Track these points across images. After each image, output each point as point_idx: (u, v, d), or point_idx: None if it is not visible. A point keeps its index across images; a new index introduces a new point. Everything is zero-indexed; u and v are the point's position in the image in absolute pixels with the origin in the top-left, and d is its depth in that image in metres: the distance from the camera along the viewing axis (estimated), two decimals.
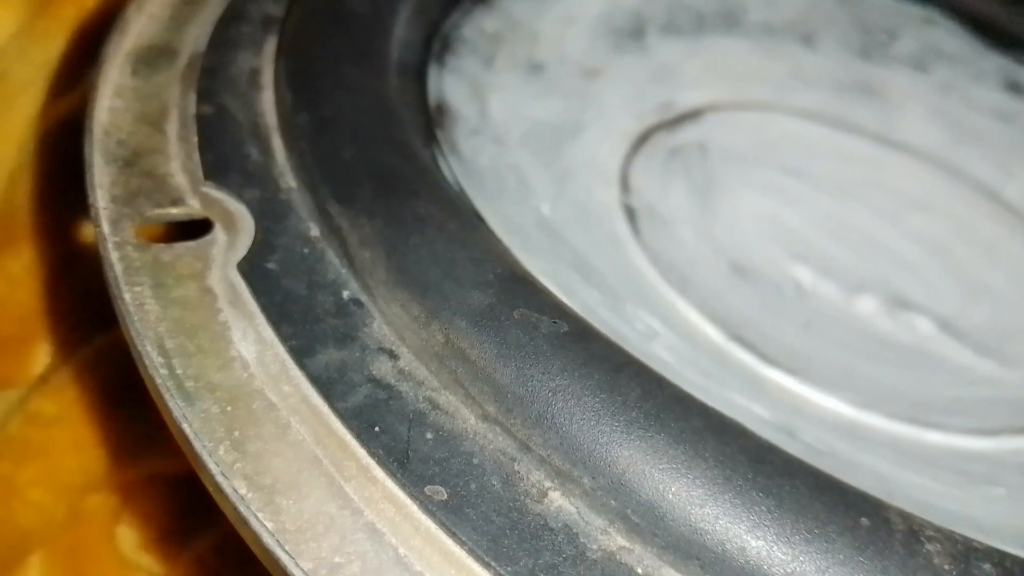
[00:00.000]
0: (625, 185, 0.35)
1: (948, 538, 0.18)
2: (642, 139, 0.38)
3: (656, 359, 0.25)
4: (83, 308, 0.34)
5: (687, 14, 0.42)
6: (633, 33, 0.41)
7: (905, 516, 0.18)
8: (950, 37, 0.45)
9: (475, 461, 0.18)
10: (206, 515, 0.31)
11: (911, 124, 0.43)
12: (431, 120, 0.28)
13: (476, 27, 0.35)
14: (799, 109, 0.42)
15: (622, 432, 0.18)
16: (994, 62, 0.44)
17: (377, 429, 0.18)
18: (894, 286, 0.36)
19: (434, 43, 0.32)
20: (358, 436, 0.18)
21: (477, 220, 0.23)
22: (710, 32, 0.43)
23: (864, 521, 0.17)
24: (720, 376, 0.27)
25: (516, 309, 0.19)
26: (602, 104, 0.38)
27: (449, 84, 0.31)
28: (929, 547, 0.17)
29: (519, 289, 0.20)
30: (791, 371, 0.30)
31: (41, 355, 0.36)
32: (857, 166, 0.41)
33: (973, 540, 0.18)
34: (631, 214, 0.34)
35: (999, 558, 0.18)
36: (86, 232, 0.35)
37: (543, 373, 0.18)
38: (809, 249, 0.37)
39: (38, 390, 0.35)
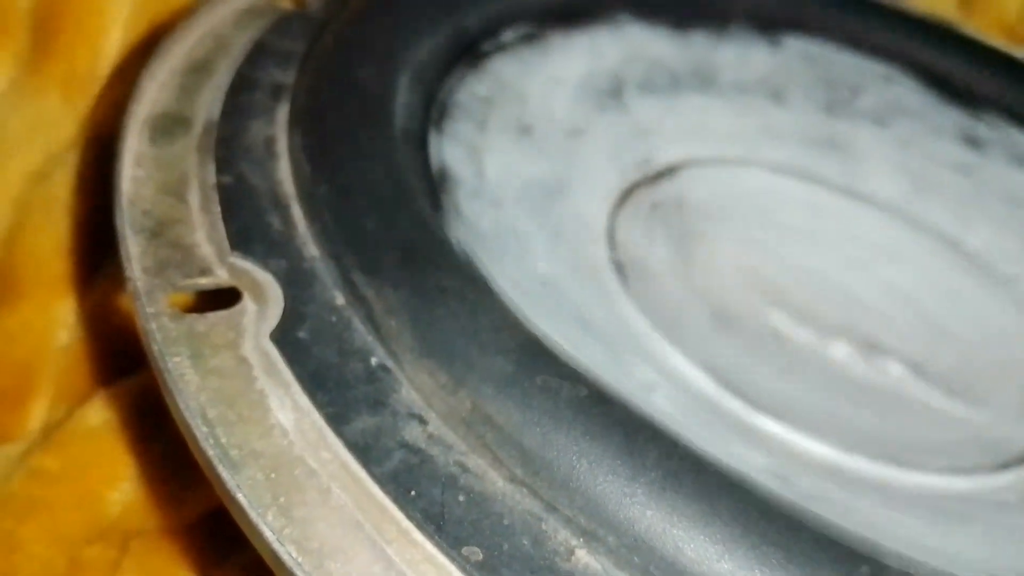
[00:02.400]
0: (612, 240, 0.37)
1: None
2: (625, 195, 0.40)
3: (660, 411, 0.26)
4: (94, 360, 0.35)
5: (663, 74, 0.45)
6: (612, 93, 0.43)
7: (903, 560, 0.19)
8: (909, 93, 0.47)
9: (505, 522, 0.20)
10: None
11: (875, 177, 0.45)
12: (435, 186, 0.30)
13: (469, 92, 0.37)
14: (770, 163, 0.44)
15: (643, 493, 0.19)
16: (951, 117, 0.47)
17: (413, 493, 0.20)
18: (866, 331, 0.38)
19: (432, 110, 0.34)
20: (396, 500, 0.20)
21: (489, 287, 0.24)
22: (685, 90, 0.45)
23: (864, 569, 0.19)
24: (717, 425, 0.28)
25: (538, 375, 0.21)
26: (586, 163, 0.40)
27: (448, 149, 0.33)
28: None
29: (539, 356, 0.21)
30: (778, 417, 0.31)
31: (38, 410, 0.37)
32: (826, 217, 0.43)
33: None
34: (619, 268, 0.36)
35: None
36: (98, 287, 0.36)
37: (567, 438, 0.20)
38: (785, 296, 0.39)
39: (40, 446, 0.35)
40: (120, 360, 0.35)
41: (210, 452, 0.19)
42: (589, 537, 0.19)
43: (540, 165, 0.38)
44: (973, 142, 0.46)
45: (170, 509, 0.33)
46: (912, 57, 0.48)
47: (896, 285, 0.41)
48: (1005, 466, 0.33)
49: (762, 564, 0.19)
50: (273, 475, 0.20)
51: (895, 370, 0.37)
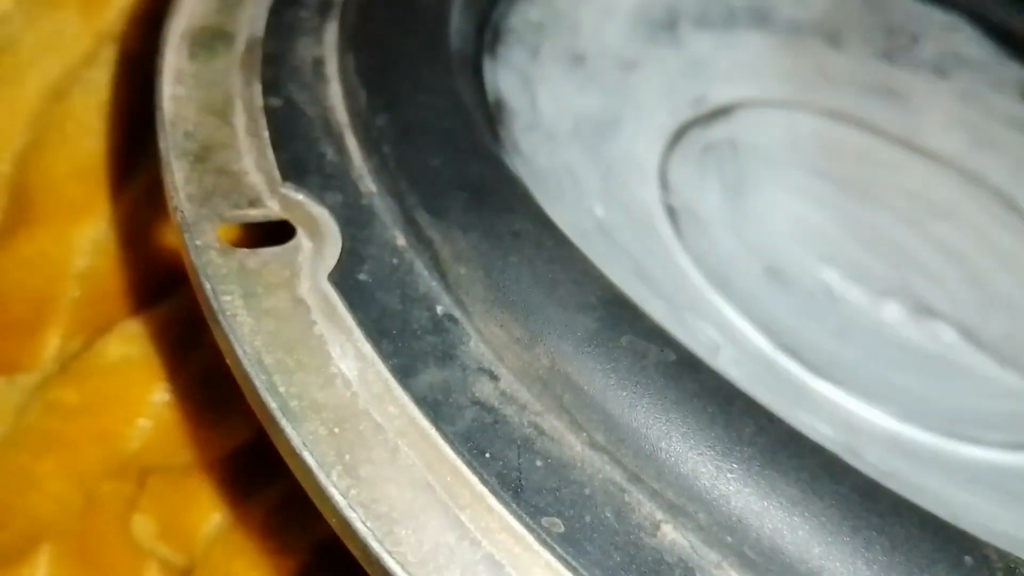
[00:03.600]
0: (664, 183, 0.35)
1: None
2: (677, 135, 0.38)
3: (728, 375, 0.25)
4: (118, 288, 0.33)
5: (719, 8, 0.42)
6: (667, 25, 0.40)
7: (1001, 554, 0.18)
8: (971, 44, 0.45)
9: (587, 491, 0.18)
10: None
11: (932, 129, 0.43)
12: (493, 117, 0.28)
13: (522, 17, 0.34)
14: (825, 108, 0.42)
15: (740, 469, 0.18)
16: (1014, 71, 0.45)
17: (488, 455, 0.18)
18: (917, 293, 0.37)
19: (486, 33, 0.31)
20: (470, 463, 0.18)
21: (566, 235, 0.22)
22: (740, 27, 0.42)
23: (968, 560, 0.18)
24: (781, 391, 0.27)
25: (623, 335, 0.19)
26: (639, 98, 0.38)
27: (503, 77, 0.31)
28: None
29: (624, 314, 0.20)
30: (836, 382, 0.30)
31: (53, 340, 0.35)
32: (880, 169, 0.41)
33: None
34: (672, 214, 0.34)
35: None
36: (121, 211, 0.34)
37: (657, 405, 0.18)
38: (836, 251, 0.37)
39: (59, 378, 0.34)
40: (146, 288, 0.33)
41: (272, 403, 0.18)
42: (677, 512, 0.18)
43: (592, 98, 0.36)
44: None
45: (198, 444, 0.31)
46: (977, 7, 0.46)
47: (950, 244, 0.39)
48: None
49: (865, 550, 0.17)
50: (337, 430, 0.18)
51: (947, 335, 0.35)
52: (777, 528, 0.17)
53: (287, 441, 0.17)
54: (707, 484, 0.18)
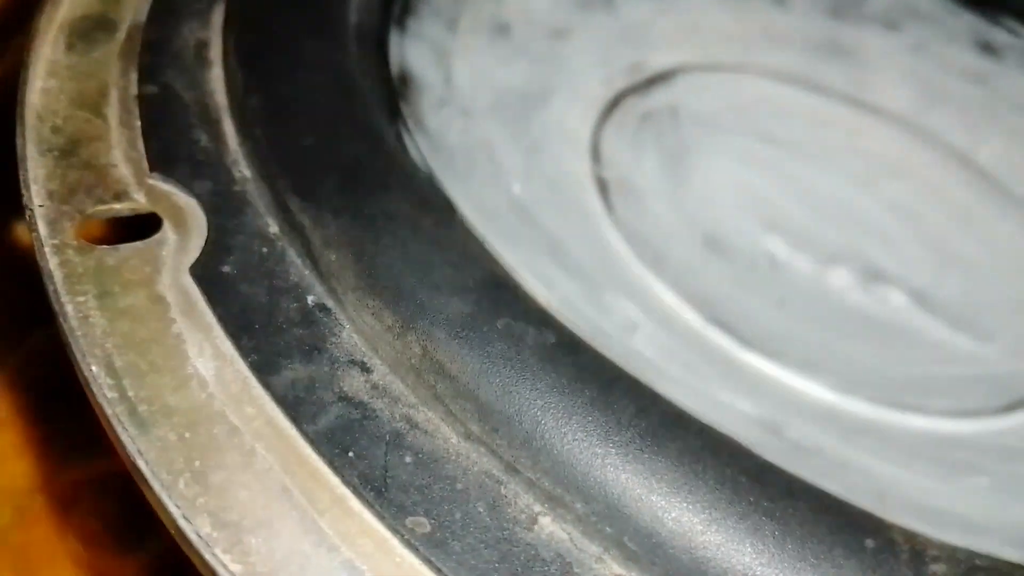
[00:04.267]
0: (596, 155, 0.34)
1: (951, 557, 0.17)
2: (612, 104, 0.36)
3: (639, 357, 0.24)
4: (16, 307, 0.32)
5: None
6: None
7: (908, 536, 0.17)
8: None
9: (459, 486, 0.17)
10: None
11: (883, 86, 0.41)
12: (395, 92, 0.27)
13: None
14: (771, 70, 0.41)
15: (618, 454, 0.17)
16: (966, 21, 0.43)
17: (351, 454, 0.17)
18: (867, 257, 0.35)
19: (394, 4, 0.30)
20: (331, 463, 0.17)
21: (452, 212, 0.21)
22: None
23: (869, 543, 0.16)
24: (701, 368, 0.26)
25: (500, 319, 0.18)
26: (571, 67, 0.36)
27: (411, 50, 0.29)
28: (934, 567, 0.16)
29: (502, 296, 0.19)
30: (769, 354, 0.29)
31: None
32: (830, 130, 0.40)
33: (976, 556, 0.17)
34: (603, 187, 0.33)
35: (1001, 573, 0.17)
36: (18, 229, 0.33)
37: (532, 390, 0.17)
38: (783, 219, 0.36)
39: None
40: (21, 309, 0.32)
41: (111, 409, 0.17)
42: (555, 503, 0.17)
43: (518, 70, 0.34)
44: (988, 48, 0.43)
45: (62, 479, 0.30)
46: None
47: (901, 204, 0.38)
48: (1011, 407, 0.30)
49: (753, 536, 0.16)
50: (188, 434, 0.17)
51: (897, 299, 0.34)
52: (658, 516, 0.16)
53: (124, 448, 0.16)
54: (584, 471, 0.17)
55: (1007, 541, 0.22)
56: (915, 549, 0.17)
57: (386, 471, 0.17)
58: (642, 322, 0.26)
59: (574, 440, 0.17)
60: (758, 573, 0.16)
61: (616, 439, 0.17)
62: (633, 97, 0.37)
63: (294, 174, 0.20)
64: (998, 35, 0.43)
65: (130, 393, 0.17)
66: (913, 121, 0.41)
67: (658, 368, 0.24)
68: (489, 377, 0.17)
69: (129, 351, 0.18)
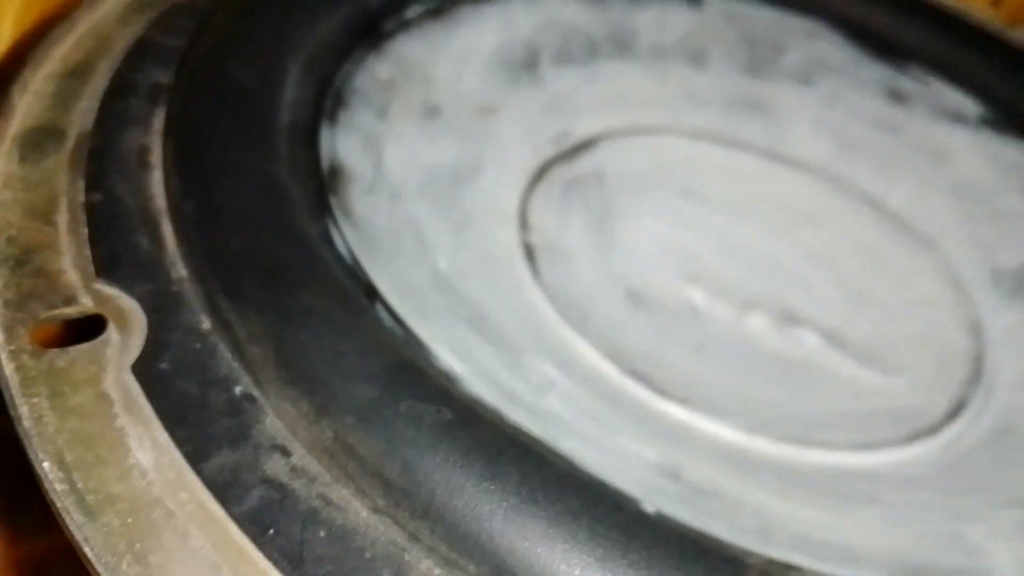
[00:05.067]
0: (524, 223, 0.37)
1: None
2: (540, 173, 0.39)
3: (548, 415, 0.26)
4: None
5: (580, 41, 0.44)
6: (527, 65, 0.42)
7: (762, 570, 0.19)
8: (834, 49, 0.47)
9: (367, 555, 0.19)
10: None
11: (798, 138, 0.44)
12: (324, 186, 0.29)
13: (369, 76, 0.36)
14: (691, 129, 0.44)
15: (503, 519, 0.19)
16: (876, 72, 0.46)
17: (272, 532, 0.19)
18: (783, 301, 0.38)
19: (326, 100, 0.33)
20: (254, 540, 0.19)
21: (367, 302, 0.24)
22: (603, 58, 0.44)
23: None
24: (611, 420, 0.28)
25: (402, 401, 0.20)
26: (499, 141, 0.39)
27: (342, 142, 0.32)
28: None
29: (405, 379, 0.21)
30: (682, 401, 0.31)
31: None
32: (748, 183, 0.43)
33: None
34: (530, 253, 0.35)
35: None
36: None
37: (428, 466, 0.20)
38: (703, 269, 0.38)
39: None
40: None
41: (61, 502, 0.19)
42: (452, 566, 0.19)
43: (448, 149, 0.37)
44: (898, 96, 0.46)
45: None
46: (837, 11, 0.47)
47: (816, 249, 0.41)
48: (914, 438, 0.33)
49: None
50: (130, 520, 0.19)
51: (810, 340, 0.37)
52: (539, 573, 0.19)
53: (72, 534, 0.19)
54: (475, 537, 0.19)
55: (883, 568, 0.24)
56: None
57: (302, 545, 0.19)
58: (559, 381, 0.29)
59: (464, 510, 0.19)
60: None
61: (501, 505, 0.19)
62: (560, 165, 0.40)
63: (222, 275, 0.23)
64: (906, 84, 0.46)
65: (79, 485, 0.20)
66: (827, 170, 0.44)
67: (567, 425, 0.26)
68: (391, 457, 0.20)
69: (78, 446, 0.20)
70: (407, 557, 0.20)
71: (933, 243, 0.42)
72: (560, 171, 0.40)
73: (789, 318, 0.37)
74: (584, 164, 0.40)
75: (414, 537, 0.20)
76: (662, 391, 0.31)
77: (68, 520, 0.19)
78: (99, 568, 0.18)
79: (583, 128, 0.42)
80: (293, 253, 0.24)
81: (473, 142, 0.38)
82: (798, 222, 0.42)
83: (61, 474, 0.20)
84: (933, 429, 0.33)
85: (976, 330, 0.38)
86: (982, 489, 0.30)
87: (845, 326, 0.38)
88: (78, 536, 0.19)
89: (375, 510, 0.20)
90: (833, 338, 0.37)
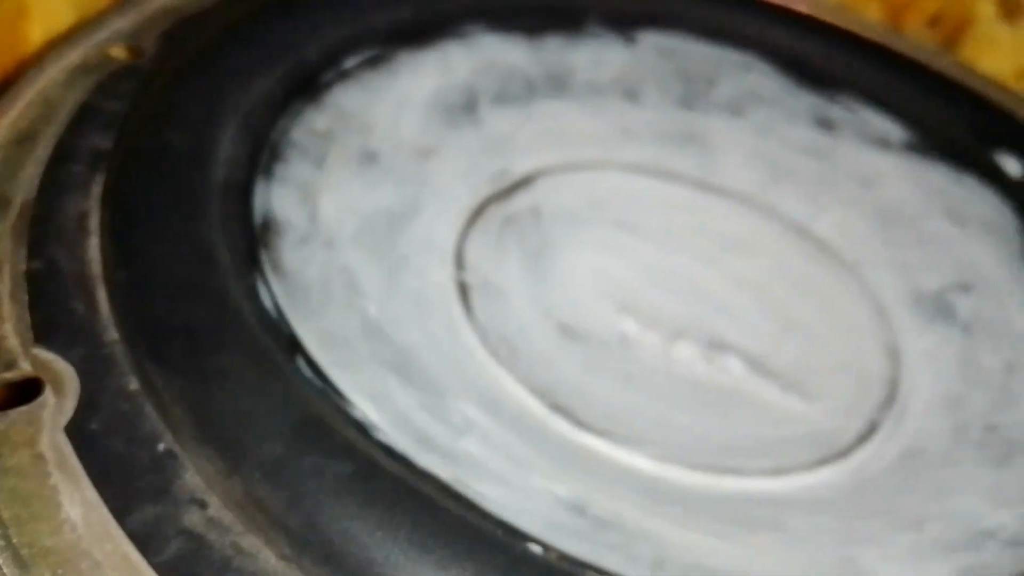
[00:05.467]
0: (460, 262, 0.38)
1: None
2: (477, 212, 0.41)
3: (463, 457, 0.28)
4: None
5: (518, 82, 0.45)
6: (466, 108, 0.44)
7: None
8: (765, 80, 0.49)
9: None
10: None
11: (730, 168, 0.46)
12: (255, 241, 0.31)
13: (306, 128, 0.38)
14: (626, 164, 0.46)
15: (392, 565, 0.21)
16: (805, 101, 0.48)
17: None
18: (711, 329, 0.40)
19: (262, 155, 0.35)
20: None
21: (287, 356, 0.26)
22: (540, 97, 0.46)
23: None
24: (528, 458, 0.30)
25: (306, 457, 0.22)
26: (437, 182, 0.41)
27: (277, 195, 0.34)
28: None
29: (311, 435, 0.23)
30: (600, 433, 0.33)
31: None
32: (680, 213, 0.45)
33: None
34: (464, 292, 0.37)
35: None
36: None
37: (327, 518, 0.22)
38: (634, 300, 0.40)
39: None
40: None
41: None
42: None
43: (385, 193, 0.39)
44: (827, 124, 0.48)
45: None
46: (768, 43, 0.49)
47: (745, 277, 0.43)
48: (824, 462, 0.35)
49: None
50: (60, 571, 0.21)
51: (735, 367, 0.38)
52: None
53: None
54: None
55: None
56: None
57: None
58: (480, 421, 0.31)
59: (360, 557, 0.21)
60: None
61: (393, 552, 0.21)
62: (497, 203, 0.42)
63: (148, 339, 0.25)
64: (835, 111, 0.48)
65: (14, 540, 0.22)
66: (757, 199, 0.46)
67: (482, 466, 0.28)
68: (295, 509, 0.22)
69: (14, 504, 0.22)
70: None
71: (857, 268, 0.44)
72: (497, 209, 0.41)
73: (716, 345, 0.39)
74: (521, 201, 0.42)
75: None
76: (582, 424, 0.33)
77: (3, 573, 0.21)
78: None
79: (521, 166, 0.43)
80: (214, 314, 0.26)
81: (411, 185, 0.40)
82: (729, 250, 0.44)
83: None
84: (843, 453, 0.35)
85: (894, 354, 0.40)
86: (882, 512, 0.32)
87: (770, 352, 0.39)
88: None
89: (282, 557, 0.22)
90: (757, 365, 0.39)
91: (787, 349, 0.40)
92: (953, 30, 0.59)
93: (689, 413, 0.36)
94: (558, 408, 0.34)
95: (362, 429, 0.25)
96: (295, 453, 0.22)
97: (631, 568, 0.25)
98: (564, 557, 0.23)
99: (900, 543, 0.30)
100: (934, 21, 0.60)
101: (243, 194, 0.32)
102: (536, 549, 0.23)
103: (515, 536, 0.23)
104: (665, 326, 0.39)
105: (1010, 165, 0.46)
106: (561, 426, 0.33)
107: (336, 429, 0.24)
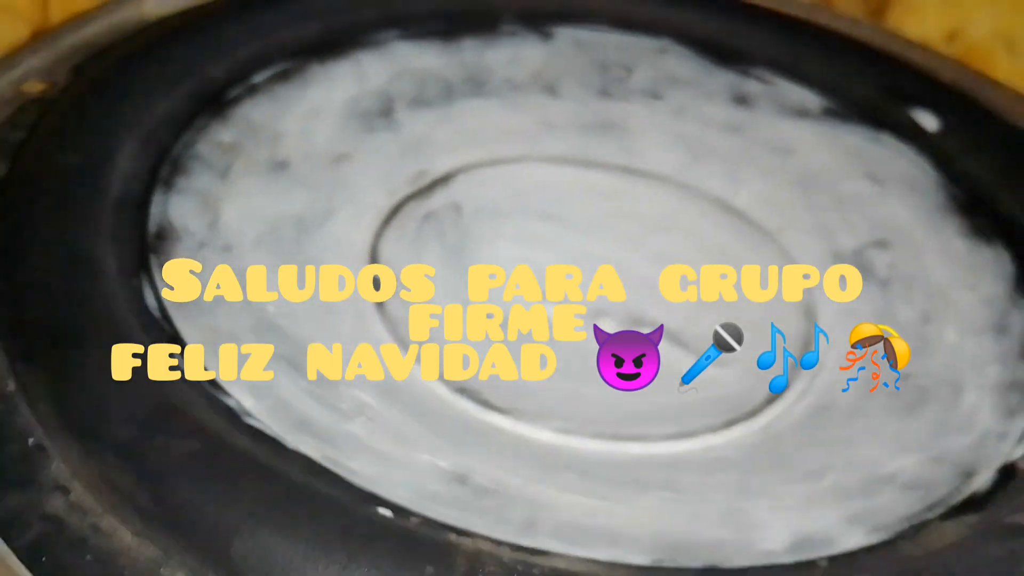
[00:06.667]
0: (374, 258, 0.39)
1: (507, 569, 0.22)
2: (393, 211, 0.42)
3: (344, 438, 0.29)
4: None
5: (435, 85, 0.46)
6: (382, 113, 0.45)
7: (472, 556, 0.22)
8: (682, 62, 0.49)
9: (126, 573, 0.22)
10: None
11: (650, 151, 0.47)
12: (147, 248, 0.32)
13: (211, 142, 0.39)
14: (548, 156, 0.46)
15: (234, 531, 0.22)
16: (722, 79, 0.49)
17: (45, 559, 0.22)
18: (632, 307, 0.40)
19: (162, 168, 0.36)
20: (30, 567, 0.22)
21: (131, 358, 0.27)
22: (459, 98, 0.47)
23: (429, 569, 0.21)
24: (418, 437, 0.31)
25: (156, 437, 0.23)
26: (352, 187, 0.42)
27: (175, 205, 0.35)
28: None
29: (163, 420, 0.24)
30: (506, 412, 0.34)
31: None
32: (603, 200, 0.45)
33: (536, 565, 0.22)
34: (377, 286, 0.38)
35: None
36: None
37: (173, 492, 0.22)
38: (557, 287, 0.41)
39: None
40: None
41: None
42: (197, 574, 0.22)
43: (295, 200, 0.40)
44: (743, 100, 0.48)
45: None
46: (682, 27, 0.50)
47: (666, 254, 0.43)
48: (731, 423, 0.35)
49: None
50: None
51: None
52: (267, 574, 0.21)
53: None
54: (215, 547, 0.22)
55: (641, 547, 0.27)
56: (472, 568, 0.22)
57: (69, 569, 0.22)
58: (373, 405, 0.32)
59: (203, 526, 0.22)
60: None
61: (233, 516, 0.22)
62: (415, 201, 0.42)
63: (20, 342, 0.26)
64: (751, 86, 0.49)
65: None
66: (678, 179, 0.46)
67: (363, 445, 0.29)
68: (142, 487, 0.23)
69: None
70: (162, 570, 0.22)
71: (778, 235, 0.44)
72: (415, 207, 0.42)
73: (635, 321, 0.40)
74: (440, 198, 0.43)
75: (167, 553, 0.22)
76: (487, 404, 0.34)
77: None
78: None
79: (440, 165, 0.44)
80: (89, 314, 0.27)
81: (323, 191, 0.41)
82: (650, 231, 0.44)
83: None
84: (752, 413, 0.36)
85: (811, 314, 0.40)
86: (781, 466, 0.32)
87: (687, 324, 0.40)
88: None
89: (136, 534, 0.23)
90: (674, 337, 0.39)
91: (704, 320, 0.40)
92: (881, 1, 0.59)
93: (601, 387, 0.36)
94: (463, 391, 0.34)
95: (230, 415, 0.26)
96: (145, 435, 0.23)
97: (499, 530, 0.25)
98: (424, 521, 0.23)
99: (794, 494, 0.31)
100: None
101: (139, 206, 0.34)
102: (386, 512, 0.23)
103: (365, 501, 0.23)
104: (587, 308, 0.40)
105: (927, 121, 0.46)
106: (465, 407, 0.34)
107: (190, 414, 0.24)
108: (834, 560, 0.26)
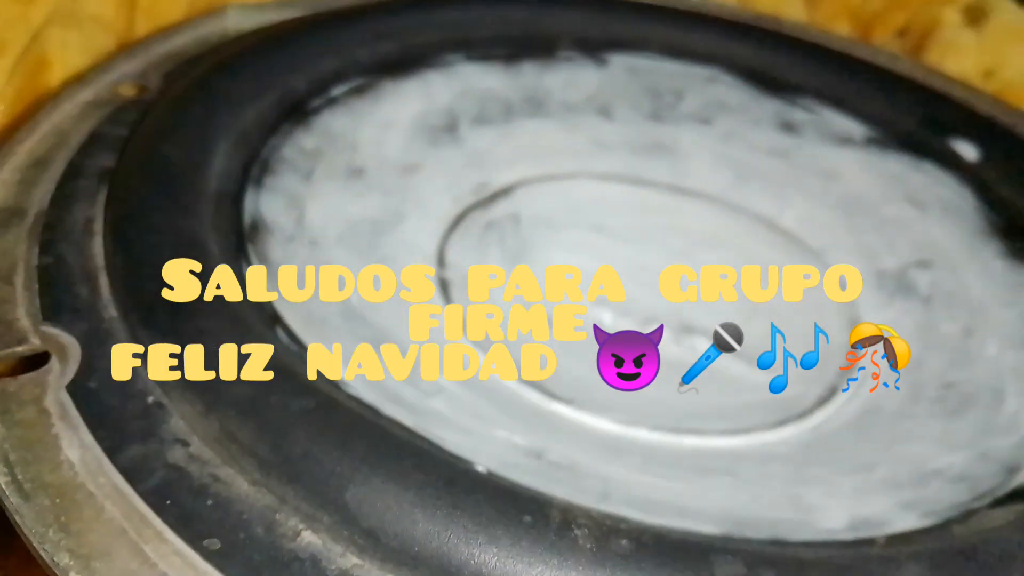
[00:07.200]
0: (441, 261, 0.42)
1: (597, 524, 0.24)
2: (458, 219, 0.44)
3: (428, 412, 0.31)
4: None
5: (496, 105, 0.49)
6: (447, 128, 0.47)
7: (564, 510, 0.24)
8: (730, 90, 0.52)
9: (244, 516, 0.24)
10: None
11: (699, 173, 0.49)
12: (243, 238, 0.34)
13: (296, 147, 0.41)
14: (600, 173, 0.49)
15: (348, 479, 0.24)
16: (769, 107, 0.51)
17: (169, 502, 0.24)
18: (682, 315, 0.42)
19: (253, 168, 0.38)
20: (155, 509, 0.24)
21: (266, 327, 0.29)
22: (518, 117, 0.49)
23: (527, 518, 0.23)
24: (494, 416, 0.33)
25: (274, 395, 0.25)
26: (420, 194, 0.44)
27: (266, 202, 0.38)
28: (577, 532, 0.23)
29: (279, 380, 0.26)
30: (569, 402, 0.36)
31: None
32: (653, 215, 0.47)
33: (623, 521, 0.24)
34: (445, 286, 0.40)
35: (638, 534, 0.24)
36: None
37: (291, 444, 0.24)
38: (609, 294, 0.43)
39: None
40: None
41: (4, 488, 0.24)
42: (311, 520, 0.24)
43: (370, 203, 0.42)
44: (789, 127, 0.51)
45: None
46: (732, 57, 0.52)
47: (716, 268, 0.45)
48: (782, 423, 0.37)
49: (439, 524, 0.23)
50: (59, 500, 0.24)
51: (703, 347, 0.41)
52: (376, 518, 0.23)
53: (9, 512, 0.24)
54: (328, 494, 0.24)
55: (709, 521, 0.28)
56: (566, 520, 0.24)
57: (192, 511, 0.24)
58: (450, 388, 0.34)
59: (320, 474, 0.24)
60: (444, 540, 0.23)
61: (348, 468, 0.24)
62: (478, 211, 0.45)
63: (139, 311, 0.28)
64: (797, 114, 0.51)
65: (19, 476, 0.25)
66: (726, 199, 0.49)
67: (445, 419, 0.31)
68: (263, 440, 0.25)
69: (20, 448, 0.26)
70: (277, 516, 0.24)
71: (822, 254, 0.46)
72: (478, 215, 0.45)
73: (686, 328, 0.42)
74: (501, 208, 0.46)
75: (283, 500, 0.24)
76: (552, 394, 0.36)
77: (7, 504, 0.24)
78: (30, 536, 0.23)
79: (501, 178, 0.47)
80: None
81: (395, 197, 0.43)
82: (698, 245, 0.46)
83: (5, 469, 0.25)
84: (803, 415, 0.37)
85: (854, 320, 0.42)
86: (833, 460, 0.34)
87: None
88: (15, 515, 0.24)
89: (253, 483, 0.25)
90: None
91: (753, 329, 0.42)
92: (920, 38, 0.62)
93: (656, 387, 0.38)
94: (532, 384, 0.36)
95: (334, 384, 0.28)
96: (265, 392, 0.25)
97: (578, 499, 0.27)
98: (504, 480, 0.25)
99: (846, 483, 0.32)
100: (902, 32, 0.63)
101: (234, 200, 0.36)
102: (480, 468, 0.25)
103: (461, 460, 0.25)
104: (638, 315, 0.42)
105: (966, 151, 0.48)
106: (531, 395, 0.36)
107: (303, 376, 0.27)
108: (892, 539, 0.28)
